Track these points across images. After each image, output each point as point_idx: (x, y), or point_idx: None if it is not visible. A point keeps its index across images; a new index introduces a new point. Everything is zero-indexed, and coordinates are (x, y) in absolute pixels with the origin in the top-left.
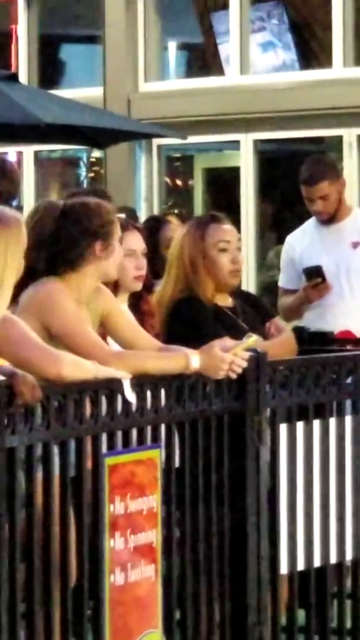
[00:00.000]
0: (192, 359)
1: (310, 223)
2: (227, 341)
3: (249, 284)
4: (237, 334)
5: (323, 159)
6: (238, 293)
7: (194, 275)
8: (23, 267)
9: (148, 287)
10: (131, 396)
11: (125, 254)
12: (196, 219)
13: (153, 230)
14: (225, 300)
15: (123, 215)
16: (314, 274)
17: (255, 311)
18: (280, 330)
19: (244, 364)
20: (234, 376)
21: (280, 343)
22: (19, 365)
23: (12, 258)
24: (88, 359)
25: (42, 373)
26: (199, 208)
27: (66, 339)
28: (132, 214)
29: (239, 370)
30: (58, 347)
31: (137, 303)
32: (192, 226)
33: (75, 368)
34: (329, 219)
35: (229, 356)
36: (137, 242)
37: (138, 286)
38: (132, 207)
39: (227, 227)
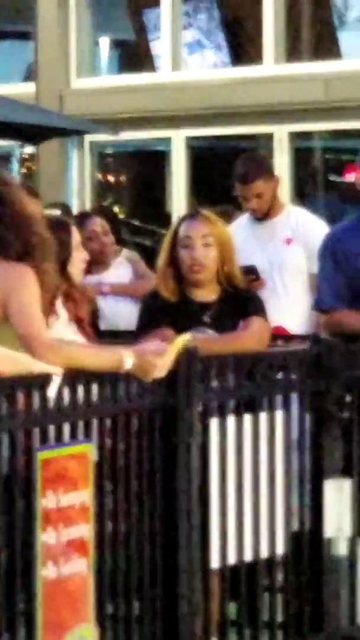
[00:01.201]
0: (125, 360)
1: (244, 219)
2: (167, 333)
3: None
4: (194, 328)
5: (257, 156)
6: (233, 291)
7: (159, 268)
8: None
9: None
10: (53, 392)
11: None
12: (178, 217)
13: (78, 225)
14: (206, 295)
15: (58, 211)
16: (249, 272)
17: (240, 309)
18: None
19: (164, 369)
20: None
21: (231, 336)
22: None
23: None
24: (28, 343)
25: None
26: (130, 203)
27: (17, 317)
28: (66, 209)
29: (162, 373)
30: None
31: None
32: (174, 222)
33: (5, 361)
34: (263, 217)
35: (158, 361)
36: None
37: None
38: (64, 202)
39: (192, 223)
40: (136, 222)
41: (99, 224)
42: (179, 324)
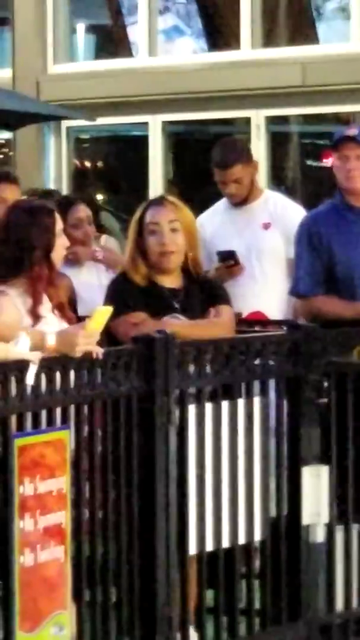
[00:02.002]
0: (47, 337)
1: (221, 204)
2: (141, 315)
3: None
4: (166, 313)
5: (235, 141)
6: (196, 277)
7: (127, 255)
8: None
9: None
10: (31, 379)
11: None
12: (145, 201)
13: (62, 209)
14: (173, 282)
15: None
16: (228, 257)
17: (207, 296)
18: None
19: (94, 341)
20: (96, 353)
21: (206, 323)
22: None
23: None
24: None
25: None
26: (107, 189)
27: None
28: (53, 195)
29: (92, 348)
30: None
31: None
32: (138, 209)
33: None
34: (242, 202)
35: (80, 332)
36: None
37: None
38: (45, 189)
39: (159, 209)
40: (112, 208)
41: (83, 211)
42: (151, 308)
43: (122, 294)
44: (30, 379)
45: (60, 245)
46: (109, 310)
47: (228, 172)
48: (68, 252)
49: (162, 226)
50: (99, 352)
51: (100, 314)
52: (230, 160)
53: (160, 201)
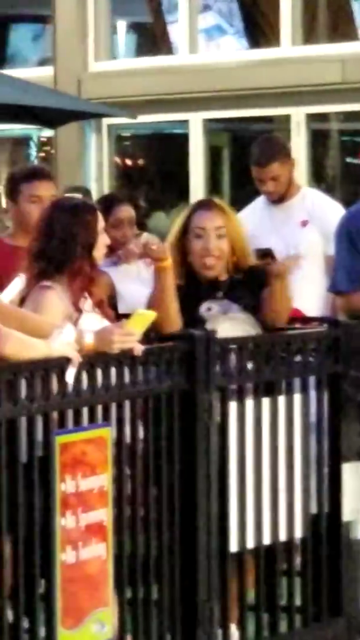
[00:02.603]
0: (85, 336)
1: (260, 202)
2: None
3: None
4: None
5: (274, 139)
6: (248, 269)
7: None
8: None
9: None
10: (71, 377)
11: None
12: (193, 203)
13: (104, 209)
14: (216, 277)
15: (79, 195)
16: (265, 255)
17: (254, 284)
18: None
19: (132, 339)
20: (136, 351)
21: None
22: None
23: None
24: None
25: None
26: (148, 186)
27: None
28: (86, 193)
29: (131, 345)
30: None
31: None
32: (186, 209)
33: (20, 346)
34: (279, 199)
35: (116, 329)
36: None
37: None
38: (86, 186)
39: (207, 213)
40: (153, 205)
41: (126, 211)
42: (190, 304)
43: None
44: (70, 377)
45: (102, 243)
46: (152, 315)
47: (266, 169)
48: (120, 250)
49: (208, 231)
50: (139, 349)
51: (141, 317)
52: (268, 158)
53: (208, 205)
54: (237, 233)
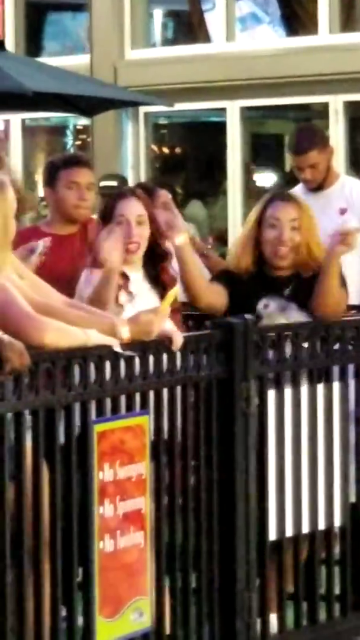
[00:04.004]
0: (121, 330)
1: (298, 190)
2: None
3: None
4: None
5: (312, 127)
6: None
7: (239, 241)
8: (14, 230)
9: (165, 257)
10: (119, 349)
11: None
12: (269, 193)
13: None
14: (285, 271)
15: (114, 183)
16: None
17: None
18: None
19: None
20: (176, 345)
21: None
22: (6, 332)
23: (6, 221)
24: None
25: (26, 339)
26: (185, 174)
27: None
28: (122, 180)
29: (171, 332)
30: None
31: (156, 274)
32: (261, 199)
33: (60, 335)
34: (318, 187)
35: (153, 318)
36: (130, 209)
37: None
38: (122, 174)
39: (282, 205)
40: (189, 193)
41: (166, 197)
42: (250, 298)
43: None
44: (121, 350)
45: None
46: (175, 290)
47: (304, 157)
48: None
49: (282, 222)
50: (179, 342)
51: (171, 296)
52: (306, 146)
53: (284, 197)
54: (310, 228)
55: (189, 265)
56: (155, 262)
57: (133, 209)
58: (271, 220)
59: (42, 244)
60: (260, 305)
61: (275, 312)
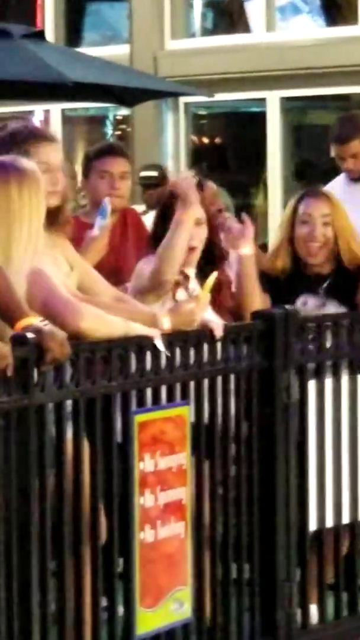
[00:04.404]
0: (162, 321)
1: (340, 180)
2: None
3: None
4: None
5: (354, 116)
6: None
7: (276, 240)
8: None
9: (223, 257)
10: (162, 346)
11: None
12: (301, 190)
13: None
14: (321, 268)
15: (155, 173)
16: None
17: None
18: None
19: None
20: (218, 332)
21: None
22: (44, 317)
23: (38, 209)
24: (58, 316)
25: (63, 325)
26: (225, 165)
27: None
28: (161, 170)
29: (212, 323)
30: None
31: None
32: (294, 197)
33: (97, 322)
34: (359, 176)
35: (194, 307)
36: None
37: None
38: (163, 164)
39: (314, 201)
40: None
41: (212, 188)
42: (288, 296)
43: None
44: (161, 347)
45: None
46: (214, 275)
47: (346, 147)
48: None
49: (314, 218)
50: (219, 330)
51: (210, 283)
52: (348, 135)
53: (316, 193)
54: (343, 223)
55: (248, 277)
56: (211, 262)
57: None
58: (303, 217)
59: (106, 203)
60: (298, 303)
61: (314, 310)
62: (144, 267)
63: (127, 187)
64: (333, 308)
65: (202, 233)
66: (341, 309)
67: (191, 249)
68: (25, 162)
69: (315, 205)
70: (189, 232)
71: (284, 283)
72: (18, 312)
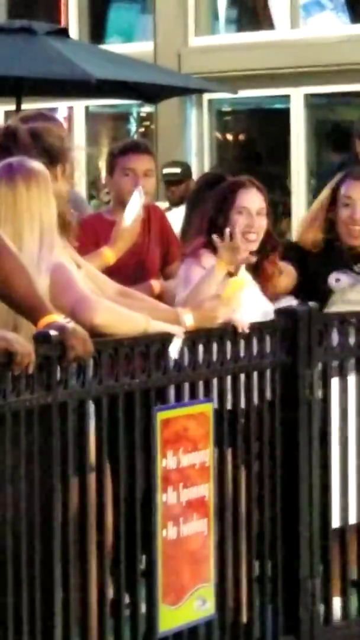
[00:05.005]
0: (184, 318)
1: None
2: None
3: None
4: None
5: None
6: None
7: (310, 214)
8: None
9: (276, 247)
10: (175, 352)
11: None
12: (344, 171)
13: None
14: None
15: (178, 170)
16: None
17: None
18: None
19: (228, 308)
20: (241, 327)
21: None
22: (63, 312)
23: (48, 206)
24: (75, 310)
25: (78, 319)
26: (249, 161)
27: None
28: (185, 167)
29: (235, 320)
30: None
31: (257, 265)
32: (336, 177)
33: (113, 317)
34: None
35: (217, 305)
36: (251, 200)
37: (250, 247)
38: (185, 161)
39: (357, 183)
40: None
41: None
42: (323, 273)
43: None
44: (174, 352)
45: None
46: (243, 281)
47: None
48: None
49: (355, 201)
50: (244, 326)
51: (236, 284)
52: None
53: (357, 175)
54: None
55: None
56: (264, 253)
57: (255, 199)
58: (344, 199)
59: (139, 194)
60: (331, 280)
61: (347, 287)
62: (180, 286)
63: (152, 185)
64: None
65: (263, 223)
66: None
67: (253, 240)
68: (32, 162)
69: (357, 188)
70: (218, 281)
71: (316, 257)
72: (41, 309)
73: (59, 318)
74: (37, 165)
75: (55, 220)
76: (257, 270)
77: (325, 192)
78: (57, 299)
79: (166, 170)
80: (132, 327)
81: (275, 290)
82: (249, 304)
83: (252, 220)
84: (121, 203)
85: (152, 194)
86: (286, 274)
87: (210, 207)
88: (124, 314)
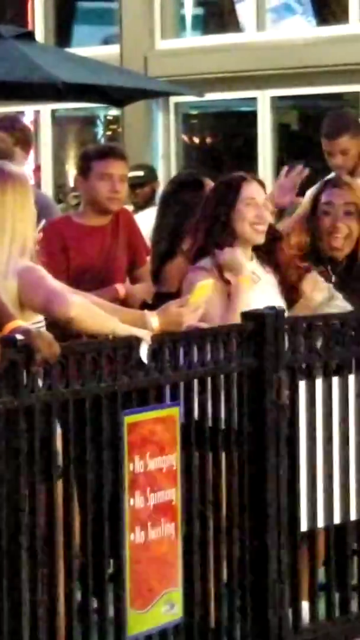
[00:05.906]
0: (149, 320)
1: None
2: None
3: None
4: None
5: (345, 113)
6: None
7: (289, 224)
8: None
9: (280, 237)
10: (144, 355)
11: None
12: (322, 179)
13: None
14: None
15: (141, 173)
16: None
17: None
18: None
19: (193, 314)
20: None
21: None
22: (37, 311)
23: (23, 210)
24: (48, 305)
25: (52, 313)
26: (215, 164)
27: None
28: (150, 171)
29: (199, 323)
30: None
31: (269, 257)
32: (315, 186)
33: (87, 313)
34: (349, 174)
35: (183, 310)
36: (257, 192)
37: (259, 239)
38: (149, 164)
39: (336, 190)
40: None
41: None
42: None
43: None
44: (144, 357)
45: None
46: (209, 283)
47: (335, 142)
48: None
49: (336, 208)
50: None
51: (202, 288)
52: (338, 130)
53: (337, 182)
54: None
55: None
56: (269, 243)
57: (260, 191)
58: (324, 207)
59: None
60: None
61: (325, 302)
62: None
63: (126, 190)
64: (338, 301)
65: (268, 215)
66: (345, 303)
67: (262, 231)
68: (11, 166)
69: (337, 195)
70: (248, 295)
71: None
72: (5, 315)
73: (23, 323)
74: (15, 169)
75: (31, 225)
76: (272, 262)
77: (306, 202)
78: (30, 297)
79: (130, 174)
80: (103, 324)
81: (310, 303)
82: (258, 301)
83: (260, 211)
84: (96, 207)
85: (125, 199)
86: (319, 290)
87: (208, 204)
88: (95, 311)
